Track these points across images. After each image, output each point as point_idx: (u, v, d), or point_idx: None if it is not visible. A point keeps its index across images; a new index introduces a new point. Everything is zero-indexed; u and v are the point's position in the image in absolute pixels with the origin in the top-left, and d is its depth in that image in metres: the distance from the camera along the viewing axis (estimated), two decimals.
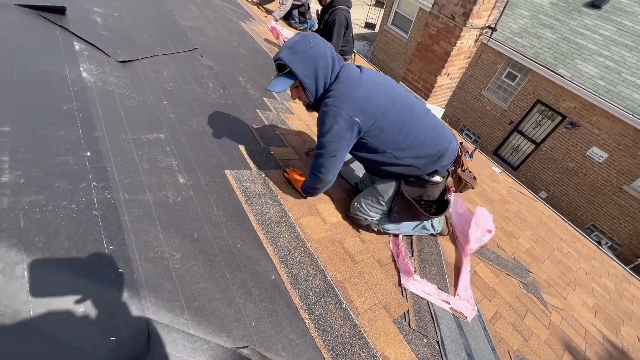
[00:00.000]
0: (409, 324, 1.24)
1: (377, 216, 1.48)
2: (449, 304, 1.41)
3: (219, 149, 1.50)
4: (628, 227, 7.55)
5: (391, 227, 1.51)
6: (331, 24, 3.04)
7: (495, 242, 2.22)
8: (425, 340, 1.21)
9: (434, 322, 1.30)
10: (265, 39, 3.52)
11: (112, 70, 1.55)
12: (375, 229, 1.50)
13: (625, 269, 3.54)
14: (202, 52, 2.32)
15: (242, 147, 1.60)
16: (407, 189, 1.38)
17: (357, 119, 1.19)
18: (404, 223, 1.51)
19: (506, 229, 2.58)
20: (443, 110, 4.73)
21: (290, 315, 1.00)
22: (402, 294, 1.35)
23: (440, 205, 1.45)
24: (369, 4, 17.56)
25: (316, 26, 5.13)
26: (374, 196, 1.46)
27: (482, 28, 3.84)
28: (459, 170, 1.42)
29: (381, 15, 15.72)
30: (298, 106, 2.43)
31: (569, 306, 2.07)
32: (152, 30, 2.18)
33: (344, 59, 3.33)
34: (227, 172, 1.39)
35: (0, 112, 1.03)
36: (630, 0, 7.95)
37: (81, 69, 1.43)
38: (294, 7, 4.93)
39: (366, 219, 1.47)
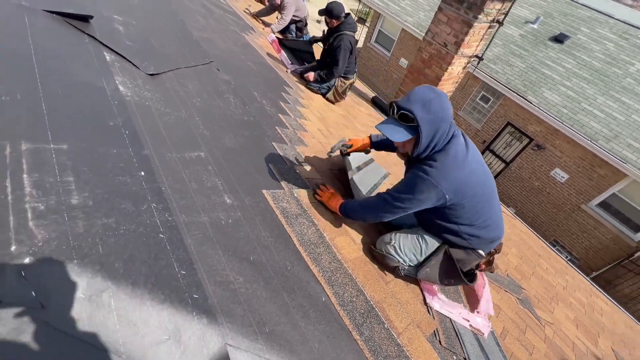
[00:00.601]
0: (440, 341, 1.32)
1: (409, 262, 1.47)
2: (469, 321, 1.51)
3: (252, 167, 1.52)
4: (585, 242, 8.26)
5: (413, 274, 1.48)
6: (337, 48, 3.14)
7: None
8: (454, 358, 1.30)
9: (459, 339, 1.39)
10: (268, 53, 3.56)
11: (144, 83, 1.53)
12: (402, 274, 1.48)
13: (592, 284, 3.89)
14: (217, 65, 2.32)
15: (271, 165, 1.63)
16: (453, 251, 1.40)
17: (447, 196, 1.20)
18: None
19: None
20: None
21: (345, 337, 1.04)
22: (429, 312, 1.43)
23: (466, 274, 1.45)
24: None
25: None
26: (419, 244, 1.45)
27: (470, 57, 4.15)
28: (495, 255, 1.50)
29: (364, 32, 16.32)
30: (310, 123, 2.50)
31: (557, 320, 2.26)
32: (169, 41, 2.16)
33: (346, 78, 3.43)
34: (264, 192, 1.41)
35: (54, 127, 1.00)
36: (588, 38, 8.87)
37: (116, 81, 1.40)
38: (292, 22, 5.02)
39: (398, 261, 1.45)
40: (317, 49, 3.92)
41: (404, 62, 11.23)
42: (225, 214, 1.16)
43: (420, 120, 1.16)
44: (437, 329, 1.37)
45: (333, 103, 3.50)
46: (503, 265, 2.50)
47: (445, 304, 1.49)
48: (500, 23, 3.80)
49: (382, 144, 1.77)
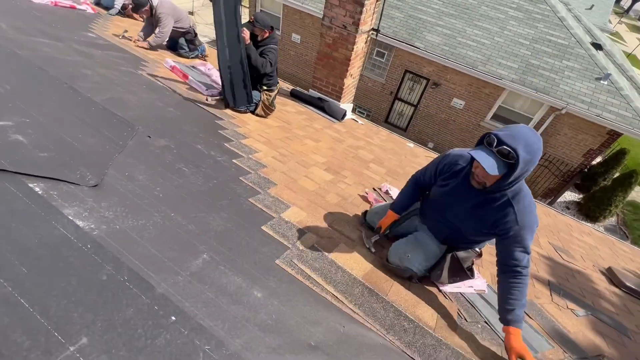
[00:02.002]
0: (465, 319, 1.57)
1: (422, 269, 1.63)
2: (472, 287, 1.81)
3: (254, 241, 1.49)
4: None
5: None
6: (264, 54, 3.19)
7: None
8: (480, 325, 1.57)
9: (475, 309, 1.67)
10: (175, 85, 3.23)
11: (96, 202, 1.32)
12: (414, 281, 1.65)
13: None
14: (144, 130, 2.07)
15: (267, 228, 1.61)
16: (458, 253, 1.61)
17: None
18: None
19: None
20: (352, 105, 5.23)
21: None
22: (446, 298, 1.67)
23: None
24: None
25: (207, 51, 4.90)
26: (432, 254, 1.64)
27: (369, 31, 4.37)
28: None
29: (243, 15, 15.48)
30: (263, 154, 2.44)
31: None
32: (79, 125, 1.83)
33: (271, 90, 3.36)
34: (278, 262, 1.41)
35: (71, 321, 0.85)
36: None
37: (69, 217, 1.19)
38: (179, 35, 4.56)
39: (412, 271, 1.60)
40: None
41: (296, 37, 11.16)
42: (265, 310, 1.15)
43: (522, 161, 1.18)
44: (458, 309, 1.61)
45: (264, 117, 3.42)
46: None
47: (454, 285, 1.75)
48: None
49: (406, 208, 1.82)
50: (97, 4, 5.59)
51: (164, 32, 4.26)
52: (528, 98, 8.38)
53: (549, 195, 9.57)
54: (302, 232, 1.69)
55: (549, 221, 3.97)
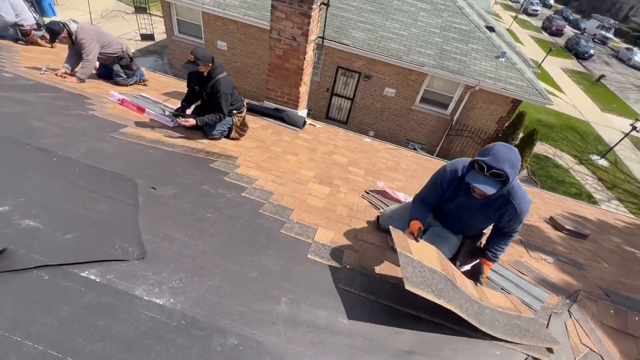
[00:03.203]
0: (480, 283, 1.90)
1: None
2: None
3: (315, 274, 1.57)
4: (423, 130, 10.98)
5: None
6: (217, 94, 2.99)
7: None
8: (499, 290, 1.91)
9: (490, 280, 2.02)
10: (138, 123, 3.00)
11: (157, 274, 1.27)
12: None
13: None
14: (144, 182, 1.94)
15: (316, 258, 1.70)
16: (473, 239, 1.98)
17: None
18: None
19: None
20: (306, 110, 5.37)
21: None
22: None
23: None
24: (129, 12, 15.49)
25: (145, 75, 4.56)
26: (454, 245, 1.92)
27: (315, 39, 4.54)
28: None
29: (155, 24, 14.29)
30: (262, 181, 2.46)
31: None
32: (75, 190, 1.66)
33: (240, 111, 3.33)
34: (343, 287, 1.53)
35: None
36: None
37: (146, 298, 1.14)
38: (111, 61, 4.14)
39: None
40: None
41: (222, 44, 10.77)
42: (357, 333, 1.28)
43: (510, 175, 1.46)
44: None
45: (239, 139, 3.39)
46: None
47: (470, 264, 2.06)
48: (327, 4, 4.24)
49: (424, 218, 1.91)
50: None
51: (89, 60, 3.82)
52: (447, 80, 9.48)
53: None
54: (340, 251, 1.82)
55: None
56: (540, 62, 19.81)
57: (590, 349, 1.77)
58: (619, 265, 2.92)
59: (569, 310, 1.94)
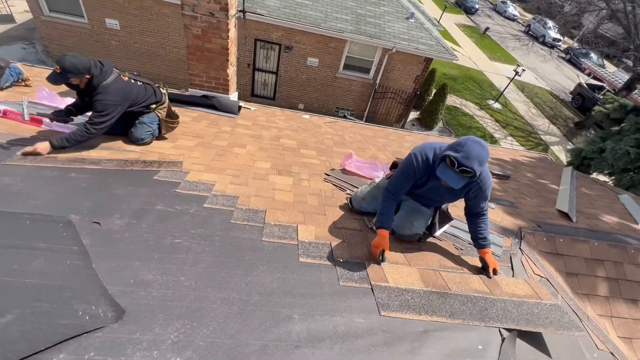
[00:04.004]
0: (460, 249, 2.09)
1: (424, 230, 2.03)
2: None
3: (313, 277, 1.51)
4: (350, 97, 11.24)
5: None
6: (95, 103, 2.29)
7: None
8: (468, 247, 2.13)
9: (458, 238, 2.22)
10: (35, 139, 2.40)
11: (148, 333, 1.07)
12: (422, 241, 2.05)
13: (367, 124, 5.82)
14: (81, 218, 1.58)
15: (309, 260, 1.63)
16: (442, 208, 2.10)
17: None
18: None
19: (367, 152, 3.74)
20: (237, 92, 4.98)
21: None
22: (440, 240, 2.14)
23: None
24: None
25: (24, 73, 3.64)
26: (428, 216, 2.03)
27: (236, 14, 4.10)
28: None
29: (10, 0, 11.23)
30: (220, 185, 2.23)
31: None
32: None
33: (162, 104, 2.81)
34: (345, 284, 1.51)
35: None
36: None
37: None
38: None
39: (420, 234, 1.98)
40: None
41: (112, 22, 9.10)
42: (377, 327, 1.30)
43: (478, 172, 1.54)
44: (453, 244, 2.12)
45: (172, 130, 2.96)
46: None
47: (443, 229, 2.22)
48: None
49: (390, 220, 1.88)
50: None
51: None
52: (366, 45, 9.67)
53: (400, 120, 11.85)
54: (327, 246, 1.78)
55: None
56: (438, 19, 21.48)
57: (540, 276, 2.13)
58: (537, 196, 3.51)
59: (520, 249, 2.27)
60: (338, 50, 9.93)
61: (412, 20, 9.83)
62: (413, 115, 12.99)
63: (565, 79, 21.38)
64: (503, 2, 30.85)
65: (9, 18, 11.10)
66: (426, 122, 12.56)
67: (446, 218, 2.12)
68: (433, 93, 12.87)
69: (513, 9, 29.97)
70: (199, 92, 4.43)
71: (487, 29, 24.65)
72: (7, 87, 3.47)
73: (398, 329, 1.32)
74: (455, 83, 16.51)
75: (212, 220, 1.82)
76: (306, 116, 5.42)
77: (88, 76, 2.23)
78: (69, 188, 1.85)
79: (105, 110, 2.28)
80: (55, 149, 2.15)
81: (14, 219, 1.50)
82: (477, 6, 28.48)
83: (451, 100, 15.04)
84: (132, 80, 2.55)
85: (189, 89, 4.46)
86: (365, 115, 11.40)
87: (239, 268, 1.48)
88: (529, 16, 30.85)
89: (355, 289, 1.51)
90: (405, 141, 5.07)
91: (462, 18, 26.93)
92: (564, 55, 25.45)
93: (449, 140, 5.79)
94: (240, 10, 4.04)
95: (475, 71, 18.82)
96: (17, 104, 2.91)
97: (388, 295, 1.50)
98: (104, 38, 9.49)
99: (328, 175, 2.86)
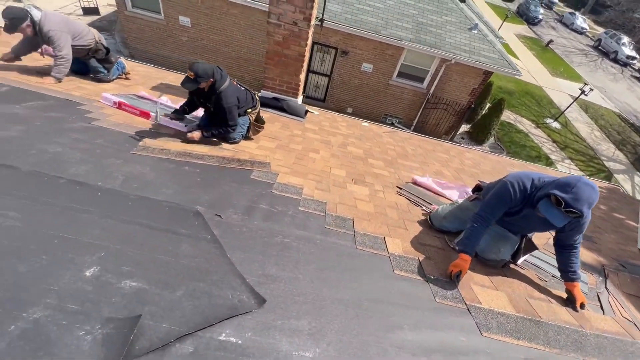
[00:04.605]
0: (544, 279, 2.08)
1: (509, 257, 2.03)
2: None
3: (417, 291, 1.61)
4: (400, 105, 11.15)
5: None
6: (221, 109, 2.66)
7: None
8: (552, 280, 2.10)
9: (540, 268, 2.20)
10: (151, 133, 2.72)
11: (284, 319, 1.24)
12: (507, 267, 2.05)
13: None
14: (205, 210, 1.81)
15: (403, 273, 1.74)
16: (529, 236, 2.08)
17: None
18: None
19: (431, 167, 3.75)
20: (302, 96, 5.18)
21: None
22: (522, 269, 2.14)
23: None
24: None
25: (126, 67, 4.08)
26: (515, 243, 2.02)
27: (315, 23, 4.29)
28: None
29: None
30: (308, 189, 2.40)
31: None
32: (147, 232, 1.51)
33: (254, 108, 3.08)
34: (442, 301, 1.60)
35: None
36: None
37: (297, 353, 1.12)
38: (84, 54, 3.61)
39: (506, 260, 1.99)
40: None
41: (185, 20, 9.80)
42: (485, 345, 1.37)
43: (585, 214, 1.55)
44: (539, 277, 2.11)
45: (258, 133, 3.21)
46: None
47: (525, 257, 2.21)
48: None
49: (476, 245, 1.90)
50: None
51: (64, 56, 3.28)
52: (424, 54, 9.54)
53: (449, 132, 11.54)
54: (416, 261, 1.87)
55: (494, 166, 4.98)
56: (497, 29, 20.54)
57: (627, 319, 2.05)
58: (614, 232, 3.33)
59: (606, 287, 2.20)
60: (394, 57, 9.90)
61: (475, 32, 9.54)
62: (463, 128, 12.59)
63: (637, 101, 19.51)
64: (571, 14, 28.76)
65: (95, 10, 12.33)
66: (477, 137, 12.13)
67: (531, 246, 2.12)
68: (487, 107, 12.39)
69: (582, 21, 27.81)
70: (270, 94, 4.69)
71: (550, 41, 23.16)
72: (113, 80, 3.93)
73: (501, 352, 1.38)
74: (511, 97, 15.72)
75: (309, 223, 1.99)
76: (365, 124, 5.51)
77: (212, 80, 2.55)
78: (188, 181, 2.10)
79: (231, 112, 2.69)
80: (204, 138, 2.70)
81: (156, 205, 1.75)
82: (540, 17, 26.81)
83: (505, 115, 14.36)
84: (238, 85, 2.83)
85: (262, 91, 4.74)
86: (414, 124, 11.25)
87: (345, 273, 1.61)
88: (600, 30, 28.52)
89: (451, 308, 1.58)
90: (466, 158, 4.99)
91: (523, 29, 25.51)
92: (638, 75, 23.22)
93: (516, 163, 5.58)
94: (319, 20, 4.20)
95: (534, 86, 17.77)
96: (128, 96, 3.30)
97: (485, 317, 1.57)
98: (175, 34, 10.23)
99: (400, 188, 2.94)
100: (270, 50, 4.28)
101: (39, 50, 3.55)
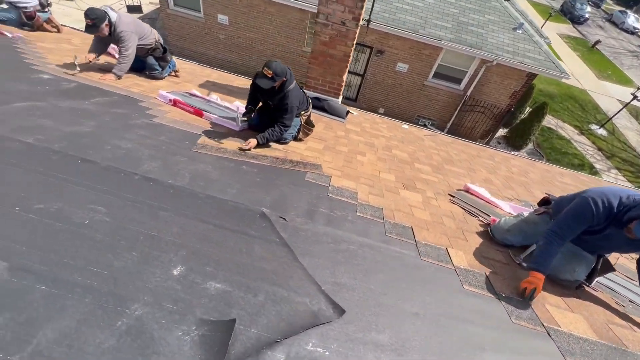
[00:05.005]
0: (621, 304, 1.93)
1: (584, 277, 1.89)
2: None
3: (485, 306, 1.54)
4: (434, 107, 10.84)
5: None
6: (285, 107, 2.72)
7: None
8: (630, 306, 1.95)
9: (614, 291, 2.05)
10: (208, 131, 2.78)
11: (365, 332, 1.21)
12: (581, 288, 1.91)
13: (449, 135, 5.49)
14: (270, 212, 1.81)
15: (473, 289, 1.67)
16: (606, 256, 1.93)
17: None
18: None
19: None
20: (342, 96, 5.13)
21: None
22: (595, 291, 2.00)
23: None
24: None
25: (176, 65, 4.20)
26: (591, 263, 1.88)
27: (362, 22, 4.23)
28: None
29: None
30: (362, 194, 2.36)
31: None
32: (222, 233, 1.53)
33: (306, 111, 3.10)
34: (518, 322, 1.52)
35: None
36: None
37: None
38: (144, 53, 3.76)
39: (580, 281, 1.87)
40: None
41: (223, 18, 10.01)
42: None
43: None
44: (617, 302, 1.96)
45: (307, 135, 3.21)
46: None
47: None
48: None
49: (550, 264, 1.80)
50: None
51: (128, 55, 3.46)
52: (462, 54, 9.20)
53: (485, 136, 11.09)
54: (483, 276, 1.79)
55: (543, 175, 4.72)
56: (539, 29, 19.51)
57: None
58: None
59: None
60: (431, 57, 9.62)
61: (520, 32, 9.09)
62: (499, 132, 12.06)
63: None
64: (622, 12, 26.79)
65: (138, 8, 12.88)
66: (514, 142, 11.60)
67: (608, 267, 1.97)
68: (528, 111, 11.79)
69: (634, 20, 25.84)
70: (312, 94, 4.68)
71: (597, 42, 21.73)
72: (164, 77, 4.06)
73: None
74: (552, 101, 14.89)
75: (369, 230, 1.95)
76: (405, 126, 5.39)
77: (285, 79, 2.64)
78: (248, 181, 2.12)
79: (292, 112, 2.73)
80: (258, 145, 2.66)
81: (224, 204, 1.78)
82: (586, 15, 25.17)
83: (545, 120, 13.62)
84: (300, 88, 2.86)
85: (304, 90, 4.74)
86: (448, 126, 10.91)
87: (414, 285, 1.56)
88: None
89: (528, 330, 1.49)
90: (512, 165, 4.76)
91: (567, 28, 24.08)
92: None
93: (565, 172, 5.25)
94: (366, 20, 4.14)
95: (578, 90, 16.74)
96: (182, 94, 3.40)
97: (567, 341, 1.47)
98: (213, 31, 10.49)
99: (453, 196, 2.84)
100: (315, 49, 4.27)
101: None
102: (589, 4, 28.67)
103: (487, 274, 1.82)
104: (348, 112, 4.72)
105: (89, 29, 3.18)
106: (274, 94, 2.75)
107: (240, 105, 3.53)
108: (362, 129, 4.40)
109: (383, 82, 10.56)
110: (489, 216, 2.53)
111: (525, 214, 2.22)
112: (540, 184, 4.16)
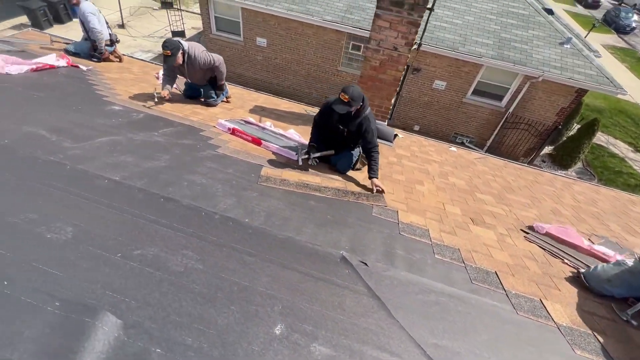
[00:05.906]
0: None
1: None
2: None
3: None
4: (473, 124, 10.48)
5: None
6: (366, 132, 2.74)
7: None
8: None
9: None
10: (269, 164, 2.79)
11: None
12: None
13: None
14: (347, 255, 1.74)
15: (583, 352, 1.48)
16: None
17: None
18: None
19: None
20: (387, 120, 5.04)
21: None
22: None
23: None
24: (156, 8, 15.18)
25: (222, 98, 4.23)
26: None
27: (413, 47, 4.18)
28: None
29: (185, 19, 13.97)
30: (436, 233, 2.23)
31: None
32: (306, 280, 1.46)
33: None
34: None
35: None
36: None
37: None
38: (205, 80, 3.89)
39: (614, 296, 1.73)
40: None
41: (261, 41, 10.40)
42: None
43: None
44: None
45: (364, 166, 3.14)
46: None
47: None
48: (431, 9, 3.86)
49: None
50: (67, 52, 4.55)
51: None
52: (504, 71, 8.88)
53: (529, 154, 10.51)
54: (592, 337, 1.59)
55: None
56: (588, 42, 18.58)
57: None
58: None
59: None
60: (471, 74, 9.37)
61: (568, 47, 8.66)
62: (544, 150, 11.40)
63: None
64: None
65: (182, 34, 13.70)
66: (561, 161, 10.90)
67: None
68: (576, 128, 11.09)
69: None
70: None
71: None
72: (218, 104, 4.19)
73: None
74: (600, 116, 13.91)
75: (452, 276, 1.81)
76: (453, 149, 5.20)
77: (362, 104, 2.67)
78: (320, 219, 2.07)
79: (375, 133, 2.76)
80: (373, 177, 2.65)
81: (303, 248, 1.73)
82: (633, 24, 23.74)
83: (596, 137, 12.75)
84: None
85: None
86: (488, 144, 10.47)
87: (522, 350, 1.41)
88: None
89: None
90: (576, 192, 4.40)
91: (612, 38, 22.81)
92: None
93: (636, 200, 4.79)
94: (417, 44, 4.08)
95: (630, 103, 15.62)
96: (238, 122, 3.47)
97: None
98: (252, 53, 10.90)
99: (527, 233, 2.62)
100: (364, 74, 4.26)
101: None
102: (635, 11, 27.07)
103: (596, 334, 1.61)
104: (396, 135, 4.63)
105: (167, 59, 3.33)
106: (350, 120, 2.73)
107: (295, 134, 3.55)
108: (411, 153, 4.27)
109: (419, 99, 10.40)
110: (576, 259, 2.29)
111: (629, 262, 1.98)
112: (613, 214, 3.79)
